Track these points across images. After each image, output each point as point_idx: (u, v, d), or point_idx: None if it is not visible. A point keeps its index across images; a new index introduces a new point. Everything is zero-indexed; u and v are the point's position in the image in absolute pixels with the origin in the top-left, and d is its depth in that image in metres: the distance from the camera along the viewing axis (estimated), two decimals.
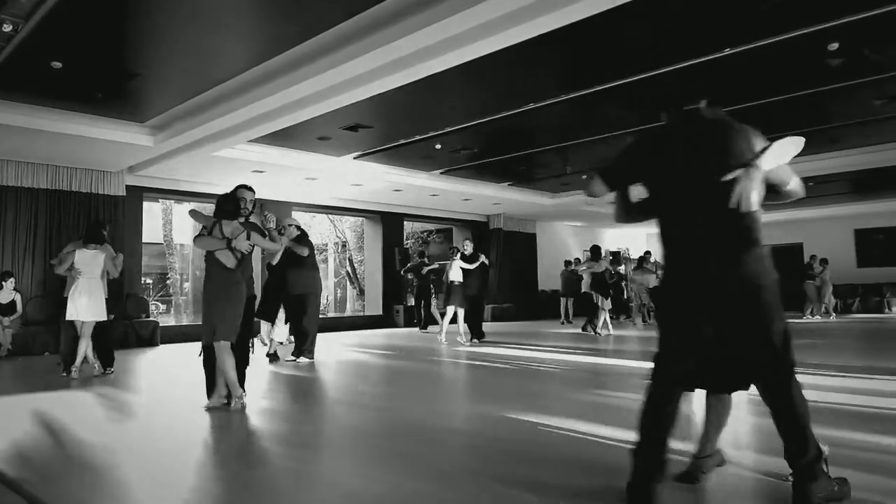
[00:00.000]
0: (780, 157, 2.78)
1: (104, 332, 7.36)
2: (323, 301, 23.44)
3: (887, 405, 4.82)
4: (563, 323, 16.02)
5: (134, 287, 11.73)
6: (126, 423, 4.88)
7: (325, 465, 3.68)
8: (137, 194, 11.97)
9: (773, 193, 2.88)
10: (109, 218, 10.94)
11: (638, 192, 3.07)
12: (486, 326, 12.51)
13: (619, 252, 22.13)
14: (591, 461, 3.47)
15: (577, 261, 16.45)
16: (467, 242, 11.43)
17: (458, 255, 11.02)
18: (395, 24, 5.75)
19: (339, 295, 24.88)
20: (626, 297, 16.96)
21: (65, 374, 7.11)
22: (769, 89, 8.23)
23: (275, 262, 8.02)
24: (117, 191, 11.34)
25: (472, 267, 10.87)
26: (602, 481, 3.11)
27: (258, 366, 7.67)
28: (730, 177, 2.68)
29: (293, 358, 8.20)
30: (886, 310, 18.05)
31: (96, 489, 3.20)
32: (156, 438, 4.24)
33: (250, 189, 5.67)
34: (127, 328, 10.85)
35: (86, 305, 7.04)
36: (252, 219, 5.67)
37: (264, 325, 8.77)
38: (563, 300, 16.43)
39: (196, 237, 5.27)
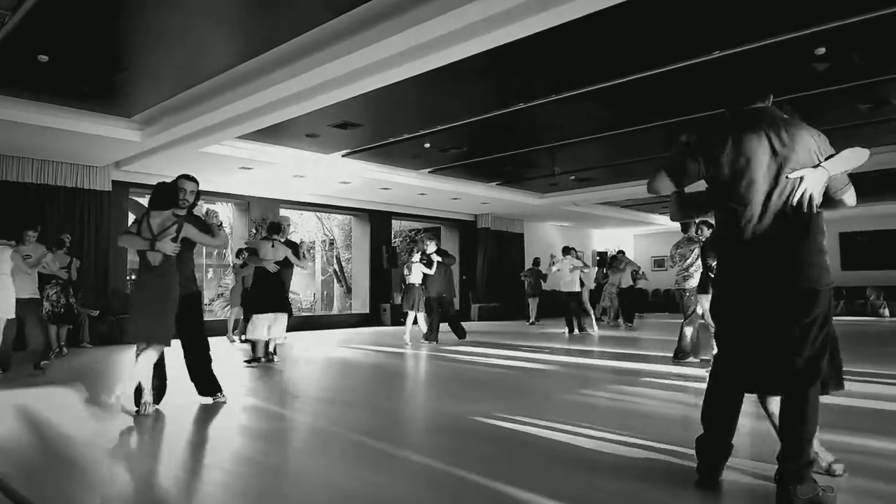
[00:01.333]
0: (845, 164, 2.81)
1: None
2: (309, 299, 23.51)
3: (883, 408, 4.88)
4: (531, 323, 15.92)
5: (119, 284, 11.65)
6: (108, 421, 4.85)
7: (308, 462, 3.67)
8: (123, 190, 11.91)
9: (827, 200, 2.89)
10: (96, 213, 10.91)
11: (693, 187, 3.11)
12: (473, 326, 12.50)
13: (606, 253, 22.26)
14: (586, 460, 3.48)
15: (537, 261, 16.30)
16: (429, 241, 10.87)
17: (418, 254, 10.72)
18: (384, 22, 5.74)
19: (325, 293, 24.81)
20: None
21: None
22: (757, 93, 8.27)
23: (274, 269, 7.79)
24: (103, 186, 11.28)
25: (429, 271, 10.53)
26: (605, 482, 3.13)
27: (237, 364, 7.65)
28: (797, 175, 2.72)
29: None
30: (871, 312, 18.23)
31: (77, 484, 3.18)
32: (138, 434, 4.22)
33: (192, 179, 5.20)
34: (112, 325, 10.77)
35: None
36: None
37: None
38: (529, 301, 16.30)
39: (121, 234, 5.01)
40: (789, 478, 2.65)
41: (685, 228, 7.78)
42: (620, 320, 15.02)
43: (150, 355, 4.67)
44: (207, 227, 5.13)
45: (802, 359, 2.70)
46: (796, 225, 2.74)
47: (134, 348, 4.82)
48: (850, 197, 2.95)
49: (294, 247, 8.37)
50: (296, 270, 8.66)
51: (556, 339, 11.59)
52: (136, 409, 4.63)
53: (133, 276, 8.87)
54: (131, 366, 4.74)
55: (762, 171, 2.78)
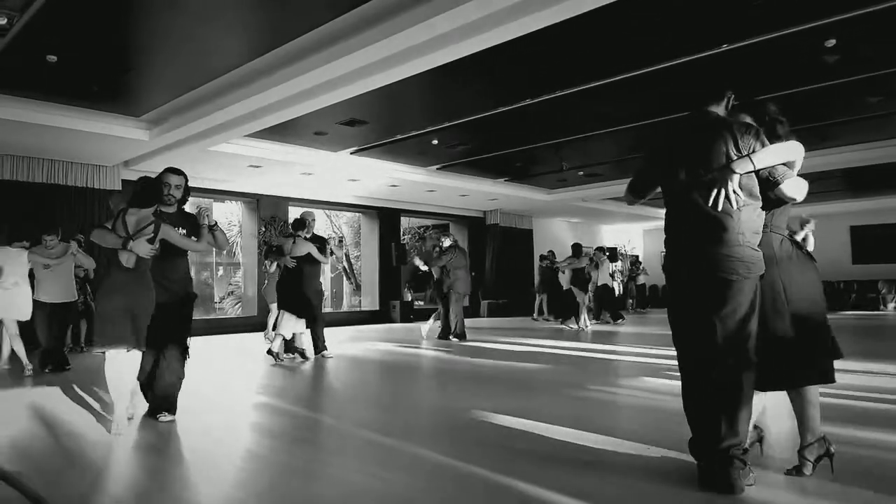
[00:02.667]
0: (775, 157, 2.91)
1: None
2: None
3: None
4: (535, 319, 16.06)
5: None
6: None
7: (319, 459, 3.68)
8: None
9: (770, 195, 2.97)
10: (106, 212, 10.96)
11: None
12: (482, 322, 12.51)
13: (615, 248, 22.19)
14: (590, 460, 3.48)
15: (552, 254, 16.32)
16: (444, 237, 11.18)
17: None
18: (392, 19, 5.73)
19: (335, 290, 24.84)
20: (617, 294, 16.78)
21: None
22: (766, 86, 8.22)
23: (292, 265, 7.77)
24: (113, 185, 11.32)
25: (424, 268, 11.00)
26: (612, 480, 3.12)
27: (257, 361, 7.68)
28: (708, 177, 2.88)
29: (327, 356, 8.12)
30: (882, 306, 18.12)
31: (90, 482, 3.20)
32: (148, 434, 4.24)
33: (177, 173, 4.73)
34: None
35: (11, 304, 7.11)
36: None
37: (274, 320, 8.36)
38: (538, 296, 16.43)
39: (95, 228, 4.42)
40: (717, 461, 2.81)
41: None
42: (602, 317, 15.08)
43: (123, 360, 4.20)
44: (198, 227, 4.75)
45: (723, 347, 2.84)
46: (713, 224, 2.87)
47: (105, 360, 4.25)
48: (789, 189, 2.97)
49: (321, 242, 8.25)
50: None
51: (563, 335, 11.58)
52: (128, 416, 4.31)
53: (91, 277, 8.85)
54: (114, 380, 4.22)
55: (683, 174, 2.98)
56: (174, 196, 4.64)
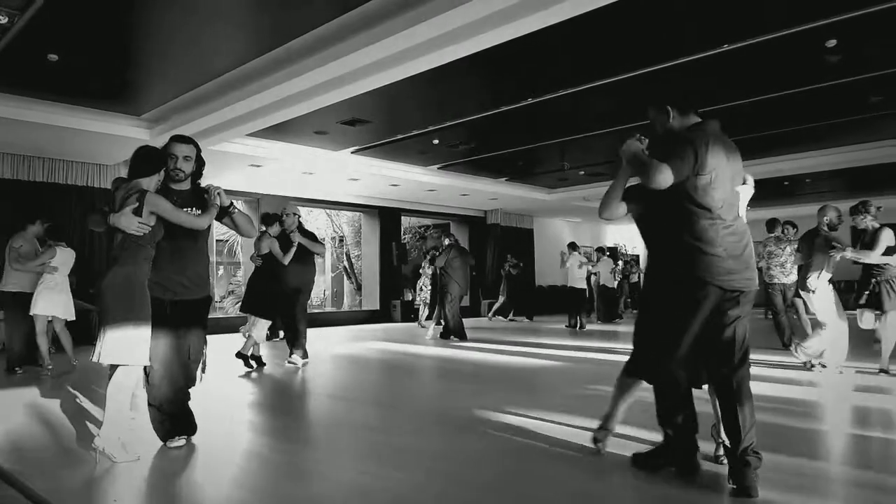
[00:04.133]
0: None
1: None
2: (319, 296, 23.50)
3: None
4: (490, 318, 16.23)
5: None
6: None
7: (319, 458, 3.68)
8: None
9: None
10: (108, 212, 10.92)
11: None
12: (483, 322, 12.54)
13: (616, 248, 22.19)
14: (591, 459, 3.48)
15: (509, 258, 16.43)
16: (446, 237, 11.46)
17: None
18: (394, 19, 5.73)
19: (336, 290, 24.84)
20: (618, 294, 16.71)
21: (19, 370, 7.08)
22: (766, 86, 8.21)
23: (287, 259, 7.20)
24: None
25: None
26: (615, 478, 3.12)
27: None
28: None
29: (291, 362, 7.42)
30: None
31: (91, 482, 3.20)
32: (149, 432, 4.24)
33: (188, 141, 3.98)
34: None
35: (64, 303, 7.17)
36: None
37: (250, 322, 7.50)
38: (500, 297, 16.32)
39: (89, 216, 3.82)
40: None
41: (771, 228, 8.53)
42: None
43: (120, 382, 3.48)
44: (204, 202, 3.97)
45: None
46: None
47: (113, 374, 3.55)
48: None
49: (309, 235, 7.61)
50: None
51: (564, 334, 11.57)
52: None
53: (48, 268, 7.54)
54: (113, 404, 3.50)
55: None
56: (182, 170, 3.86)
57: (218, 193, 3.90)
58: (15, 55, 6.66)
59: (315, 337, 7.72)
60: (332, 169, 12.27)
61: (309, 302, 7.36)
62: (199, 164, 3.99)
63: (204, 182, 4.15)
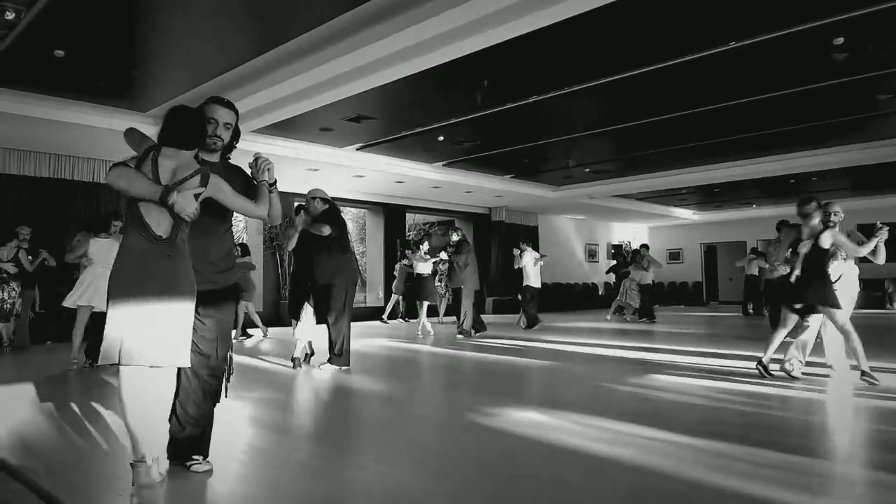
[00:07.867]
0: None
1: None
2: None
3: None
4: (385, 321, 14.75)
5: None
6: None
7: (326, 456, 3.69)
8: None
9: None
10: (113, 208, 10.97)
11: None
12: (488, 318, 12.56)
13: (620, 245, 22.13)
14: (593, 456, 3.48)
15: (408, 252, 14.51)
16: (453, 231, 11.43)
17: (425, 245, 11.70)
18: (399, 15, 5.74)
19: None
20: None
21: (88, 364, 7.05)
22: (773, 84, 8.19)
23: (291, 246, 6.85)
24: None
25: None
26: (623, 478, 3.12)
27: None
28: None
29: (330, 365, 6.66)
30: (888, 305, 18.04)
31: (97, 478, 3.21)
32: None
33: (229, 106, 3.23)
34: None
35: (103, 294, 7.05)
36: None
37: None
38: (394, 296, 14.90)
39: (114, 166, 2.88)
40: None
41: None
42: (636, 315, 14.72)
43: (160, 385, 2.87)
44: (252, 185, 3.22)
45: None
46: None
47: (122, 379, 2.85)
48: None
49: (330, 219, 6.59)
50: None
51: (566, 333, 11.57)
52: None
53: (86, 259, 7.22)
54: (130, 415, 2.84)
55: None
56: (221, 138, 3.19)
57: (268, 168, 3.20)
58: (22, 51, 6.69)
59: (317, 334, 7.37)
60: (337, 166, 12.29)
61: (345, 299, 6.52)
62: (236, 135, 3.31)
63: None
